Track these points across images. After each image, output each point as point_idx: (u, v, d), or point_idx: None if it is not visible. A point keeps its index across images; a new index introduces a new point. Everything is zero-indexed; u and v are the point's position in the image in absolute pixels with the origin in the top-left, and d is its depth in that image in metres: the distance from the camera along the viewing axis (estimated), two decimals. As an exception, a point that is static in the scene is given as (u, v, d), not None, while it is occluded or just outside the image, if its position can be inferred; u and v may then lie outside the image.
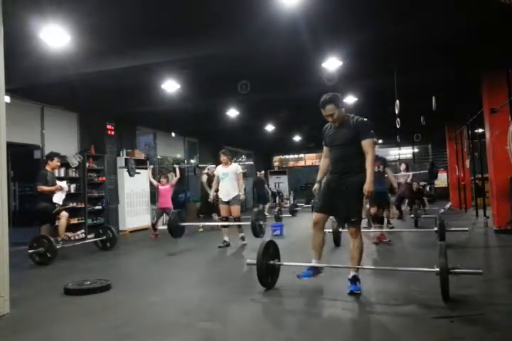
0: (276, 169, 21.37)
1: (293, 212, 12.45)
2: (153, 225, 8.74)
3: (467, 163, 11.22)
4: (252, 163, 17.76)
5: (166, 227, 7.15)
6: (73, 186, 8.75)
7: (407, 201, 10.55)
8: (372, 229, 6.83)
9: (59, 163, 6.71)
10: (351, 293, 3.55)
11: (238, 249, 6.67)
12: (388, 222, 7.21)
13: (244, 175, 7.60)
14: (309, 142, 16.99)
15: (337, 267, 3.92)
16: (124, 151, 10.10)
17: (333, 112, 3.66)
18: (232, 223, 6.83)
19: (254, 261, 3.70)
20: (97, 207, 9.30)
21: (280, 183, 19.19)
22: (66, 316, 3.34)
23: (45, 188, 6.17)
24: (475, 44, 6.05)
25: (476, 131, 10.20)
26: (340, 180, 3.70)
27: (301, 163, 22.07)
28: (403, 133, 12.38)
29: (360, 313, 3.19)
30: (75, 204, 8.64)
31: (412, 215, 8.79)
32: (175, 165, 9.72)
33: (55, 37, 4.87)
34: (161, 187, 8.74)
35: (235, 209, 6.76)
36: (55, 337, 2.91)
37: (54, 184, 6.31)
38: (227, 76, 7.09)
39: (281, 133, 14.19)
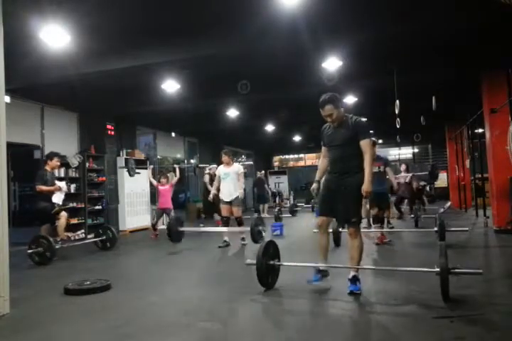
0: (276, 169, 21.37)
1: (293, 212, 12.45)
2: (153, 225, 8.74)
3: (467, 163, 11.23)
4: (252, 163, 17.76)
5: (166, 227, 7.16)
6: (73, 186, 8.75)
7: (406, 201, 10.54)
8: (372, 229, 6.83)
9: (59, 163, 6.71)
10: (351, 293, 3.55)
11: (238, 249, 6.67)
12: (388, 222, 7.21)
13: (245, 175, 7.60)
14: (309, 142, 16.99)
15: (337, 267, 3.92)
16: (124, 151, 10.10)
17: (332, 112, 3.66)
18: (233, 229, 6.86)
19: (254, 261, 3.71)
20: (97, 207, 9.30)
21: (280, 183, 19.19)
22: (66, 316, 3.34)
23: (44, 188, 6.17)
24: (475, 44, 6.05)
25: (476, 131, 10.20)
26: (339, 180, 3.70)
27: (301, 163, 22.07)
28: (403, 133, 12.39)
29: (360, 313, 3.19)
30: (75, 204, 8.65)
31: (412, 215, 8.79)
32: (175, 165, 9.72)
33: (55, 37, 4.88)
34: (160, 188, 8.74)
35: (237, 210, 6.78)
36: (55, 337, 2.91)
37: (53, 184, 6.31)
38: (227, 76, 7.09)
39: (281, 133, 14.20)
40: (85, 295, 3.86)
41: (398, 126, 8.29)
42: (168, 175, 9.61)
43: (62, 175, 8.46)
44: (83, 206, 8.87)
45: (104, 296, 3.88)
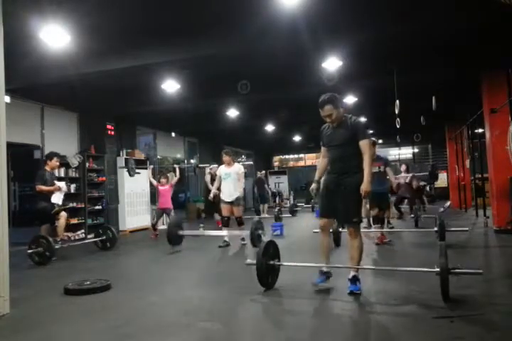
0: (276, 169, 21.37)
1: (293, 212, 12.45)
2: (153, 225, 8.74)
3: (467, 163, 11.22)
4: (252, 163, 17.76)
5: (166, 227, 7.16)
6: (73, 186, 8.75)
7: (406, 201, 10.54)
8: (372, 229, 6.83)
9: (58, 163, 6.72)
10: (351, 293, 3.55)
11: (238, 249, 6.67)
12: (388, 222, 7.20)
13: (245, 175, 7.60)
14: (309, 142, 17.00)
15: (337, 267, 3.92)
16: (124, 151, 10.10)
17: (332, 112, 3.67)
18: (234, 232, 6.88)
19: (254, 261, 3.71)
20: (97, 207, 9.30)
21: (280, 183, 19.19)
22: (66, 316, 3.34)
23: (44, 188, 6.17)
24: (475, 44, 6.05)
25: (476, 131, 10.20)
26: (338, 180, 3.71)
27: (301, 163, 22.07)
28: (403, 133, 12.39)
29: (360, 313, 3.19)
30: (75, 204, 8.64)
31: (412, 215, 8.79)
32: (175, 165, 9.72)
33: (55, 37, 4.87)
34: (160, 188, 8.74)
35: (237, 210, 6.81)
36: (55, 337, 2.91)
37: (53, 184, 6.30)
38: (227, 76, 7.09)
39: (281, 133, 14.20)
40: (85, 295, 3.86)
41: (398, 126, 8.29)
42: (168, 175, 9.61)
43: (62, 175, 8.46)
44: (83, 206, 8.87)
45: (104, 296, 3.88)
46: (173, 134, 12.82)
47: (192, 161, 13.74)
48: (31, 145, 8.37)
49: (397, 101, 7.48)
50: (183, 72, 6.81)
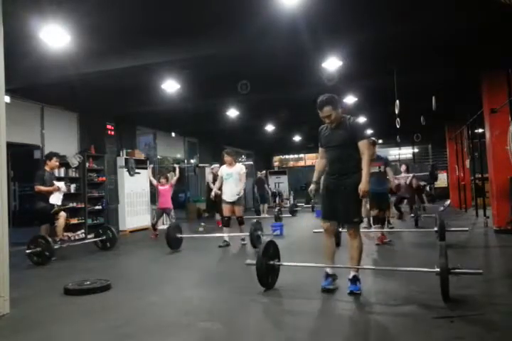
0: (276, 169, 21.37)
1: (293, 212, 12.45)
2: (154, 225, 8.75)
3: (467, 163, 11.22)
4: (252, 163, 17.76)
5: (166, 227, 7.15)
6: (73, 186, 8.75)
7: (406, 201, 10.54)
8: (372, 229, 6.83)
9: (58, 163, 6.72)
10: (351, 293, 3.55)
11: (238, 249, 6.67)
12: (388, 222, 7.20)
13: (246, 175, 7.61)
14: (309, 142, 16.99)
15: (337, 267, 3.92)
16: (124, 151, 10.10)
17: (331, 113, 3.66)
18: (234, 234, 6.90)
19: (254, 262, 3.71)
20: (97, 207, 9.30)
21: (280, 183, 19.19)
22: (66, 316, 3.34)
23: (43, 188, 6.17)
24: (475, 44, 6.05)
25: (476, 131, 10.20)
26: (338, 181, 3.70)
27: (301, 163, 22.07)
28: (403, 133, 12.39)
29: (360, 313, 3.19)
30: (75, 204, 8.64)
31: (412, 214, 8.79)
32: (175, 165, 9.73)
33: (55, 37, 4.87)
34: (160, 187, 8.75)
35: (239, 209, 6.83)
36: (55, 337, 2.91)
37: (52, 184, 6.30)
38: (227, 76, 7.09)
39: (281, 133, 14.19)
40: (85, 295, 3.86)
41: (398, 126, 8.29)
42: (168, 175, 9.62)
43: (62, 175, 8.46)
44: (83, 206, 8.86)
45: (104, 296, 3.88)
46: (173, 134, 12.82)
47: (192, 161, 13.75)
48: (31, 145, 8.38)
49: (397, 101, 7.48)
50: (183, 72, 6.81)
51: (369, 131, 14.60)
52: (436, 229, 5.93)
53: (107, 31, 5.15)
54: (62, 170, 8.48)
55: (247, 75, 7.19)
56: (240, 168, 6.89)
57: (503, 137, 6.62)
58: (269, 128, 12.99)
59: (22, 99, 7.74)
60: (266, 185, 14.22)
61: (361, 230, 4.01)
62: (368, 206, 6.83)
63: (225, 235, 6.87)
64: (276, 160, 22.63)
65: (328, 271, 3.77)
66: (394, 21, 5.15)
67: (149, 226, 9.55)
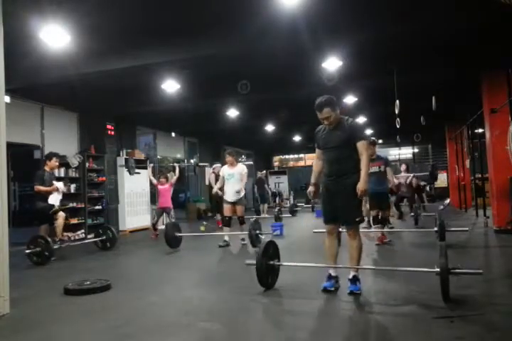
0: (276, 169, 21.37)
1: (293, 212, 12.45)
2: (154, 225, 8.75)
3: (467, 163, 11.22)
4: (252, 163, 17.76)
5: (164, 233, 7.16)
6: (73, 186, 8.76)
7: (405, 200, 10.54)
8: (372, 229, 6.82)
9: (57, 163, 6.72)
10: (351, 293, 3.55)
11: (238, 249, 6.67)
12: (388, 222, 7.20)
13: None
14: (309, 142, 16.94)
15: (337, 267, 3.92)
16: (124, 151, 10.10)
17: (330, 115, 3.66)
18: (234, 233, 6.92)
19: (254, 262, 3.70)
20: (97, 207, 9.30)
21: (280, 183, 19.20)
22: (66, 316, 3.34)
23: (42, 188, 6.17)
24: (475, 44, 6.05)
25: (476, 131, 10.20)
26: (337, 182, 3.70)
27: (301, 163, 22.06)
28: (403, 133, 12.39)
29: (360, 313, 3.19)
30: (75, 204, 8.64)
31: (412, 213, 8.80)
32: (175, 164, 9.74)
33: (55, 37, 4.87)
34: (160, 187, 8.76)
35: (240, 209, 6.85)
36: (55, 337, 2.91)
37: (51, 184, 6.30)
38: (227, 76, 7.09)
39: (281, 133, 14.19)
40: (85, 295, 3.86)
41: (398, 126, 8.29)
42: (168, 175, 9.62)
43: (62, 175, 8.46)
44: (83, 206, 8.86)
45: (104, 296, 3.88)
46: (173, 134, 12.82)
47: (192, 161, 13.75)
48: (31, 145, 8.38)
49: (397, 101, 7.48)
50: (183, 72, 6.81)
51: (369, 131, 14.61)
52: (436, 229, 5.93)
53: (107, 31, 5.15)
54: (62, 170, 8.48)
55: (247, 75, 7.19)
56: (241, 168, 6.91)
57: (503, 137, 6.62)
58: (269, 128, 12.99)
59: (22, 99, 7.74)
60: (266, 185, 14.23)
61: (361, 230, 4.01)
62: (367, 206, 6.83)
63: (225, 234, 6.87)
64: (276, 160, 22.63)
65: (331, 272, 3.76)
66: (394, 21, 5.15)
67: (149, 227, 9.56)
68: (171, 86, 7.25)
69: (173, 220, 8.41)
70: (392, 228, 7.38)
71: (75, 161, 8.77)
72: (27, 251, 5.59)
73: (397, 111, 7.52)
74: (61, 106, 8.78)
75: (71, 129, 9.23)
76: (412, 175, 9.86)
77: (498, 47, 6.11)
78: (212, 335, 2.84)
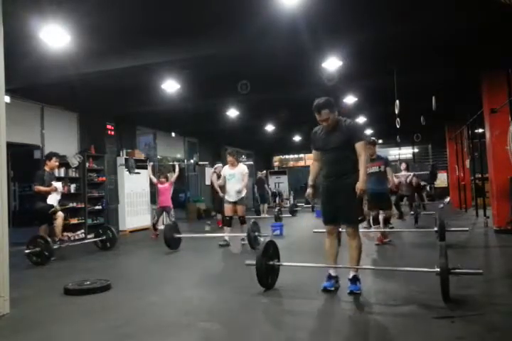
0: (276, 169, 21.37)
1: (293, 212, 12.45)
2: (154, 225, 8.74)
3: (467, 163, 11.22)
4: (252, 163, 17.76)
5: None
6: (73, 186, 8.75)
7: (405, 199, 10.55)
8: (372, 229, 6.82)
9: (57, 163, 6.72)
10: (351, 293, 3.55)
11: (238, 248, 6.67)
12: (388, 222, 7.20)
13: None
14: (309, 142, 16.95)
15: (337, 267, 3.92)
16: (124, 151, 10.10)
17: (329, 117, 3.67)
18: (234, 234, 6.94)
19: (254, 262, 3.70)
20: (97, 207, 9.29)
21: (280, 183, 19.20)
22: (66, 316, 3.34)
23: (42, 188, 6.18)
24: (475, 44, 6.05)
25: (476, 131, 10.20)
26: (336, 183, 3.70)
27: (301, 163, 22.06)
28: (403, 133, 12.39)
29: (360, 313, 3.19)
30: (75, 204, 8.64)
31: (412, 212, 8.80)
32: (174, 163, 9.74)
33: (55, 37, 4.87)
34: (160, 186, 8.76)
35: (241, 209, 6.88)
36: (55, 337, 2.91)
37: (50, 184, 6.30)
38: (227, 76, 7.09)
39: (281, 133, 14.19)
40: (85, 295, 3.86)
41: (398, 126, 8.29)
42: (168, 174, 9.63)
43: (62, 175, 8.46)
44: (83, 206, 8.86)
45: (104, 296, 3.87)
46: (173, 134, 12.82)
47: (192, 160, 13.75)
48: (31, 145, 8.37)
49: (397, 101, 7.48)
50: (183, 72, 6.81)
51: (369, 131, 14.62)
52: (436, 229, 5.93)
53: (107, 31, 5.15)
54: (62, 170, 8.48)
55: (247, 75, 7.19)
56: (242, 168, 6.93)
57: (503, 137, 6.62)
58: (269, 128, 12.99)
59: (22, 99, 7.74)
60: (266, 185, 14.23)
61: (361, 230, 4.01)
62: (367, 206, 6.82)
63: (226, 235, 6.88)
64: (276, 160, 22.63)
65: (331, 272, 3.76)
66: (394, 21, 5.15)
67: (149, 226, 9.55)
68: (171, 86, 7.25)
69: (173, 220, 8.41)
70: (392, 228, 7.37)
71: (75, 161, 8.77)
72: (27, 251, 5.59)
73: (397, 111, 7.52)
74: (61, 106, 8.78)
75: (71, 129, 9.23)
76: (412, 173, 9.87)
77: (498, 47, 6.11)
78: (212, 335, 2.84)
